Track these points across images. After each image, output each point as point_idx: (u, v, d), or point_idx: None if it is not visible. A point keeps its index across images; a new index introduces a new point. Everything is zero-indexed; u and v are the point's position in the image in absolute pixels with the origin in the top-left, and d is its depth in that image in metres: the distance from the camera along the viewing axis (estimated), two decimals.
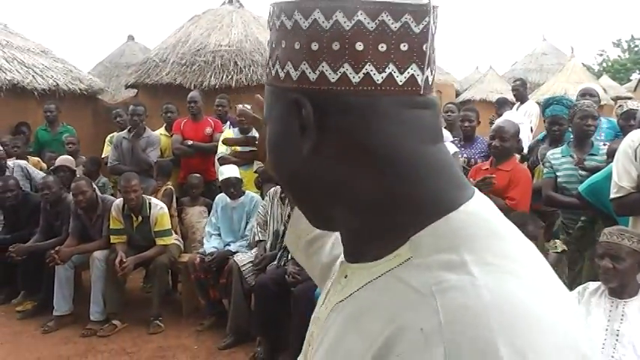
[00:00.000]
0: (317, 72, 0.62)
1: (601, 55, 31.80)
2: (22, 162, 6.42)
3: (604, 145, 4.16)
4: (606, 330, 2.55)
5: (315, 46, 0.61)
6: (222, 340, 4.56)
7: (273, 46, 0.66)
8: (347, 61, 0.60)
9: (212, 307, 4.99)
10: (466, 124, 5.53)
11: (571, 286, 3.57)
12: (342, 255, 0.73)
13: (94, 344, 4.67)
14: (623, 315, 2.57)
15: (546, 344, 0.50)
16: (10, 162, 6.28)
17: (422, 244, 0.60)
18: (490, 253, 0.57)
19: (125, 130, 6.47)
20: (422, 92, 0.63)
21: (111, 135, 7.09)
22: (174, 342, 4.68)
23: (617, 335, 2.52)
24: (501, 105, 7.35)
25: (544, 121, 5.16)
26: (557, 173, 4.11)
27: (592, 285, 2.78)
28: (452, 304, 0.52)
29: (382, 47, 0.60)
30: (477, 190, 0.67)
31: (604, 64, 30.20)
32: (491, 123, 7.32)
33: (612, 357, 2.47)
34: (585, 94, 5.12)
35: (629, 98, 10.41)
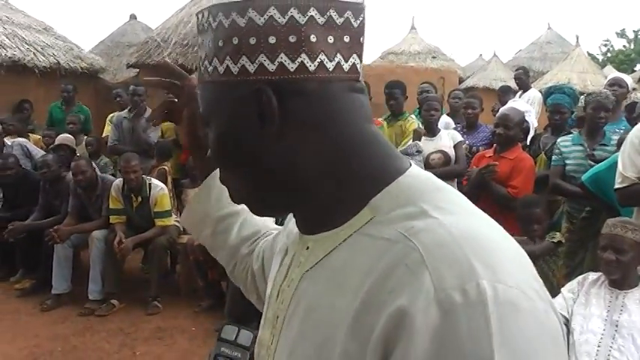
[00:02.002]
0: (276, 63, 0.67)
1: (605, 45, 31.62)
2: (23, 140, 6.40)
3: (616, 135, 4.09)
4: (605, 320, 2.55)
5: (272, 40, 0.67)
6: (219, 322, 4.56)
7: (220, 44, 0.69)
8: (304, 51, 0.67)
9: (210, 288, 4.99)
10: (469, 111, 5.50)
11: (570, 276, 3.56)
12: (297, 230, 0.79)
13: (91, 323, 4.68)
14: (622, 306, 2.57)
15: (509, 263, 0.59)
16: (9, 140, 6.26)
17: (380, 205, 0.68)
18: (441, 201, 0.66)
19: (126, 110, 6.43)
20: (359, 79, 0.73)
21: (112, 115, 7.04)
22: (172, 323, 4.69)
23: (617, 326, 2.51)
24: (505, 93, 7.30)
25: (546, 109, 5.11)
26: (566, 161, 4.06)
27: (592, 275, 2.78)
28: (427, 241, 0.60)
29: (330, 39, 0.68)
30: (412, 162, 0.75)
31: (608, 54, 30.02)
32: (494, 111, 7.31)
33: (611, 347, 2.46)
34: (614, 84, 4.89)
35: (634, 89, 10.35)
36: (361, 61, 0.72)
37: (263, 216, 0.84)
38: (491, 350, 0.53)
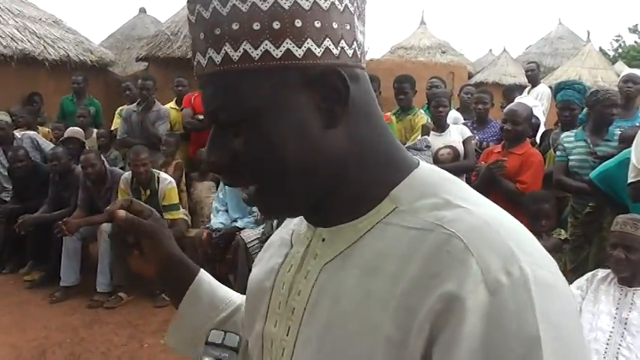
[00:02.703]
0: (338, 48, 0.67)
1: (617, 40, 31.32)
2: (32, 133, 6.44)
3: (619, 130, 4.08)
4: (614, 318, 2.53)
5: (335, 25, 0.67)
6: None
7: (276, 26, 0.64)
8: (355, 40, 0.69)
9: (218, 282, 4.99)
10: (480, 106, 5.48)
11: (576, 271, 3.55)
12: (306, 224, 0.79)
13: (100, 315, 4.71)
14: (632, 303, 2.55)
15: (535, 247, 0.64)
16: (19, 133, 6.29)
17: (402, 196, 0.70)
18: (459, 192, 0.70)
19: (134, 103, 6.45)
20: None
21: (120, 108, 7.06)
22: None
23: (626, 324, 2.49)
24: (511, 91, 7.22)
25: (556, 105, 5.07)
26: (570, 157, 4.04)
27: (601, 272, 2.76)
28: (464, 228, 0.63)
29: (361, 29, 0.72)
30: (422, 156, 0.74)
31: (620, 50, 29.76)
32: (503, 107, 7.25)
33: (620, 345, 2.45)
34: (628, 80, 4.86)
35: None
36: None
37: (277, 218, 0.83)
38: (536, 325, 0.57)
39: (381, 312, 0.63)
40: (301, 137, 0.67)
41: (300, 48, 0.65)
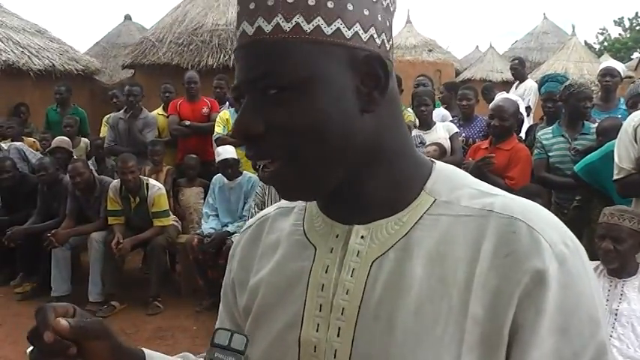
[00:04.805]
0: (380, 38, 0.72)
1: (602, 33, 31.56)
2: (19, 144, 6.39)
3: (595, 122, 4.08)
4: (605, 309, 2.54)
5: (380, 18, 0.72)
6: None
7: (332, 4, 0.68)
8: (391, 36, 0.75)
9: (211, 287, 4.98)
10: (464, 103, 5.47)
11: None
12: (322, 222, 0.79)
13: None
14: (622, 294, 2.56)
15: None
16: (5, 144, 6.25)
17: (437, 189, 0.75)
18: (481, 183, 0.77)
19: (121, 111, 6.42)
20: None
21: (108, 116, 7.01)
22: (173, 323, 4.69)
23: (616, 315, 2.51)
24: (489, 91, 7.20)
25: (540, 98, 5.10)
26: (550, 154, 4.04)
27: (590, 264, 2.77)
28: (517, 211, 0.70)
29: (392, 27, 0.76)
30: None
31: (605, 43, 29.96)
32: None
33: (611, 336, 2.46)
34: (606, 74, 4.88)
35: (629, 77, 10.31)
36: None
37: (297, 198, 0.78)
38: (590, 283, 0.69)
39: (462, 294, 0.68)
40: (341, 113, 0.70)
41: (349, 30, 0.69)
